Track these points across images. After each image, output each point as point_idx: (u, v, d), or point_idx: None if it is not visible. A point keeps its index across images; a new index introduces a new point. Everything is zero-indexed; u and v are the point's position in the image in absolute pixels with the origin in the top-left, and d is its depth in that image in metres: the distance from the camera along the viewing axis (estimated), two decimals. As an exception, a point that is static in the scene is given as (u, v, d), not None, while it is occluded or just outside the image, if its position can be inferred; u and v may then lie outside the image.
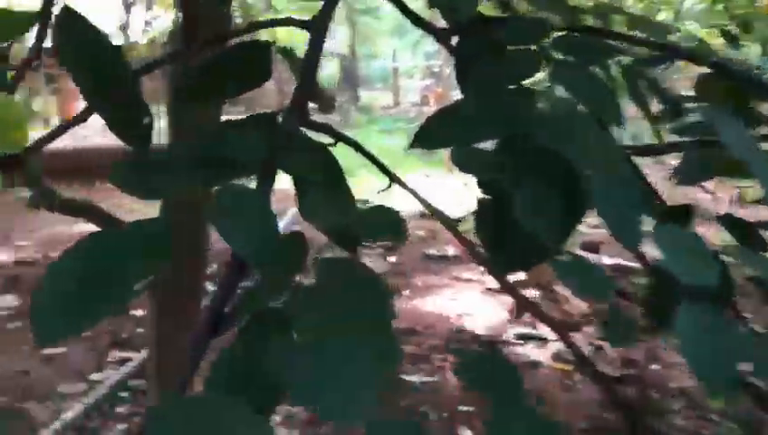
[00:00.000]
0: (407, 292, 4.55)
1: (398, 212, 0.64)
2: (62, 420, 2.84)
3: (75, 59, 0.64)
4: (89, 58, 0.64)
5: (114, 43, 0.66)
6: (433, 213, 0.64)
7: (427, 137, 0.66)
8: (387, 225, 0.63)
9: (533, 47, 0.76)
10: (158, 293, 1.77)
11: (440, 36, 0.83)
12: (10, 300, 4.21)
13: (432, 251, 5.38)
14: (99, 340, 3.67)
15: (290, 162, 0.63)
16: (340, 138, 0.70)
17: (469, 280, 4.73)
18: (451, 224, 0.65)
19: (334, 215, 0.60)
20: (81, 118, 0.63)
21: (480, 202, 0.71)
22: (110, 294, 0.53)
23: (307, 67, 0.72)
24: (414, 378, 3.35)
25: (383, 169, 0.67)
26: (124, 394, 3.12)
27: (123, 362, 3.41)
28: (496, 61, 0.74)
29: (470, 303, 4.36)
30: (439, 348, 3.72)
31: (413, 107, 16.81)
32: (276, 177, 0.62)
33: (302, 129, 0.68)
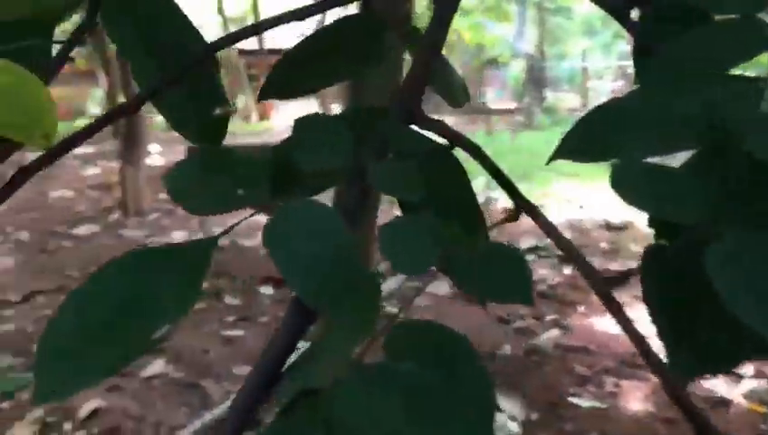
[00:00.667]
0: (582, 308, 4.22)
1: (523, 261, 0.42)
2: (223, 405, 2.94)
3: (132, 34, 0.52)
4: (151, 33, 0.53)
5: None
6: (573, 261, 0.44)
7: (578, 145, 0.45)
8: (508, 280, 0.43)
9: (755, 15, 0.51)
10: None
11: (616, 9, 0.62)
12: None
13: (614, 265, 4.96)
14: (273, 327, 3.80)
15: (386, 173, 0.47)
16: (457, 141, 0.51)
17: (653, 301, 4.28)
18: (601, 289, 0.44)
19: (443, 257, 0.42)
20: (122, 111, 0.51)
21: (650, 254, 0.46)
22: (121, 343, 0.40)
23: (426, 47, 0.55)
24: (581, 401, 3.06)
25: (510, 191, 0.48)
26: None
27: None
28: (695, 37, 0.51)
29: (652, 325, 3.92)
30: (613, 371, 3.38)
31: (602, 110, 15.95)
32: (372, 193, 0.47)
33: (414, 128, 0.52)
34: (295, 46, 0.57)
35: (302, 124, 0.49)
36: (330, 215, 0.44)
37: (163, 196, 7.24)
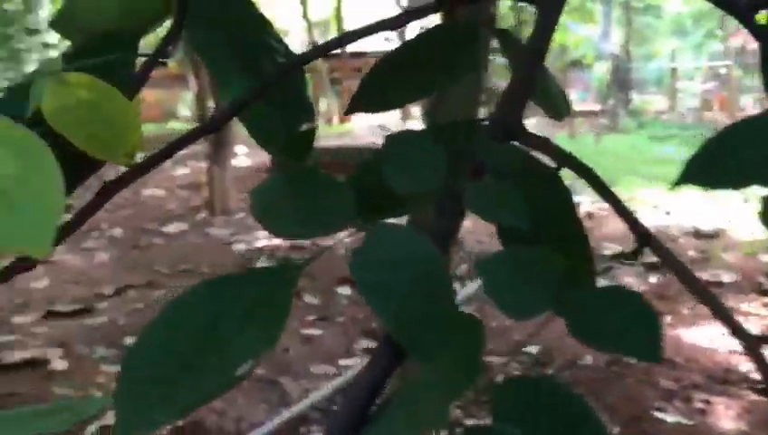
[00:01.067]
0: (669, 319, 4.03)
1: (652, 312, 0.36)
2: (311, 399, 2.98)
3: (219, 43, 0.50)
4: (239, 43, 0.50)
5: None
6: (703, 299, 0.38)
7: (710, 168, 0.39)
8: (634, 331, 0.36)
9: None
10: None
11: (737, 12, 0.55)
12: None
13: (704, 275, 4.72)
14: (350, 327, 3.83)
15: (487, 196, 0.42)
16: (566, 161, 0.46)
17: (747, 314, 4.06)
18: (749, 340, 0.38)
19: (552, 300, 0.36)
20: (215, 124, 0.49)
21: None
22: (204, 379, 0.38)
23: (529, 55, 0.50)
24: (666, 416, 2.92)
25: (631, 222, 0.42)
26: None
27: (370, 351, 3.48)
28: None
29: (747, 342, 3.69)
30: (702, 386, 3.21)
31: (691, 112, 15.37)
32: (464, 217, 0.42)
33: (514, 144, 0.47)
34: (383, 58, 0.54)
35: (392, 142, 0.46)
36: (422, 242, 0.40)
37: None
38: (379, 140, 0.51)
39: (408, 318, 0.38)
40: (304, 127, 0.51)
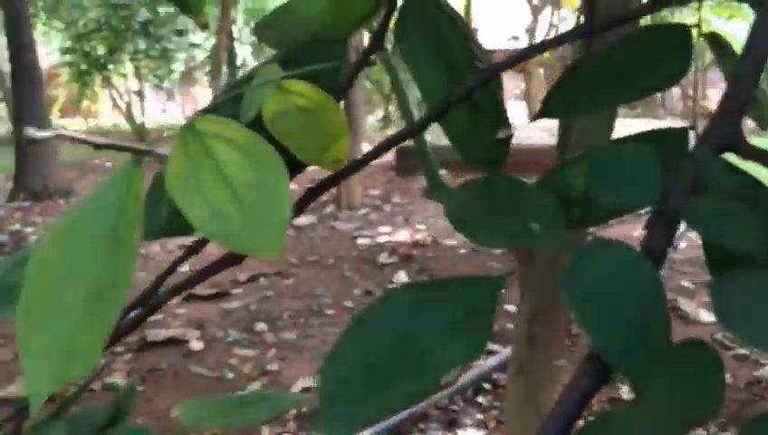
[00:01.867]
0: None
1: None
2: (433, 398, 2.98)
3: (423, 50, 0.50)
4: (440, 50, 0.50)
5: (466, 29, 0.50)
6: None
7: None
8: None
9: None
10: (532, 294, 1.65)
11: None
12: (402, 276, 4.63)
13: None
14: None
15: (714, 214, 0.39)
16: None
17: None
18: None
19: None
20: (419, 128, 0.49)
21: None
22: (407, 384, 0.38)
23: (747, 63, 0.46)
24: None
25: None
26: (487, 385, 3.13)
27: (490, 353, 3.43)
28: None
29: None
30: None
31: None
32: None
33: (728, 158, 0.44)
34: (582, 61, 0.52)
35: (601, 155, 0.44)
36: (638, 260, 0.38)
37: (373, 192, 7.56)
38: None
39: (622, 338, 0.36)
40: (501, 134, 0.50)
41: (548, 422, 0.38)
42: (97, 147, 0.35)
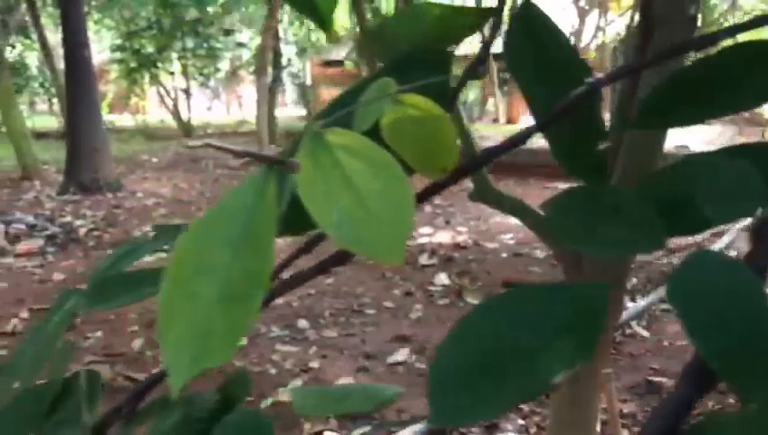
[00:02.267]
0: None
1: None
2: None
3: (530, 63, 0.52)
4: (546, 63, 0.52)
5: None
6: None
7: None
8: None
9: None
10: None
11: None
12: (443, 278, 4.64)
13: None
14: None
15: None
16: None
17: None
18: None
19: None
20: (523, 139, 0.51)
21: None
22: (516, 384, 0.40)
23: None
24: None
25: None
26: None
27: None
28: None
29: None
30: None
31: None
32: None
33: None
34: (676, 73, 0.53)
35: (701, 166, 0.45)
36: (743, 271, 0.39)
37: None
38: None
39: (729, 348, 0.37)
40: (601, 146, 0.52)
41: (648, 427, 0.39)
42: (236, 155, 0.38)
